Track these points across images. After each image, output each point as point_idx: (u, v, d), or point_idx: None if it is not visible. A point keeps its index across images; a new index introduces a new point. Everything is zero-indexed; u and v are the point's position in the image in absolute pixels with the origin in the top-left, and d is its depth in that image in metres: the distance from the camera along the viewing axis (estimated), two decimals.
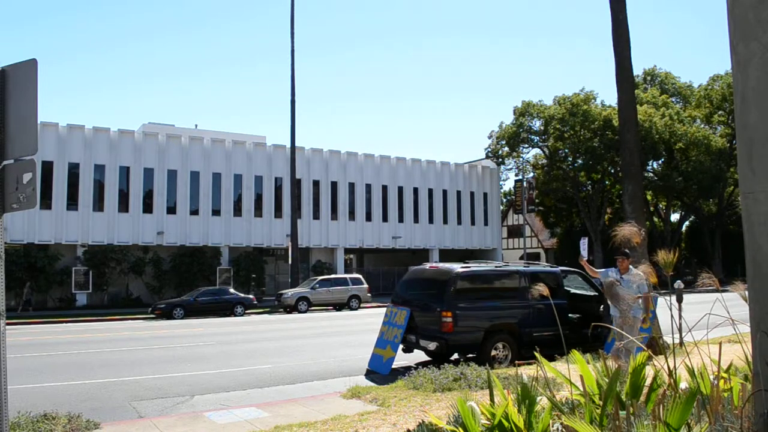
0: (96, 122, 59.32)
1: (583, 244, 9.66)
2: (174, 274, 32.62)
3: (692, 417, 3.41)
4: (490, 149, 48.68)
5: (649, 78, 50.99)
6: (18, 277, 28.12)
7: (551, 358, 6.84)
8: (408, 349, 11.00)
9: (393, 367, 10.07)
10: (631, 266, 8.00)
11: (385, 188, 40.22)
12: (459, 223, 43.17)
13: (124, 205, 32.17)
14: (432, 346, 10.03)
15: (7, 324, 20.59)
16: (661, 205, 51.90)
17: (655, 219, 50.38)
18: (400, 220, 40.65)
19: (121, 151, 32.18)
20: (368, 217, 39.45)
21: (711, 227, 50.09)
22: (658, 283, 4.47)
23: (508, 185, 57.41)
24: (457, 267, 10.65)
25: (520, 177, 48.24)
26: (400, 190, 40.78)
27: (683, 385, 4.15)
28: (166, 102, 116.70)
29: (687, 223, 54.92)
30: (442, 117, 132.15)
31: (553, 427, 4.04)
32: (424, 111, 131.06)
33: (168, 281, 32.57)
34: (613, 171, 44.68)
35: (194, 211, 33.93)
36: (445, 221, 42.56)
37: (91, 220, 31.10)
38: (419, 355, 11.12)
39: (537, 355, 5.03)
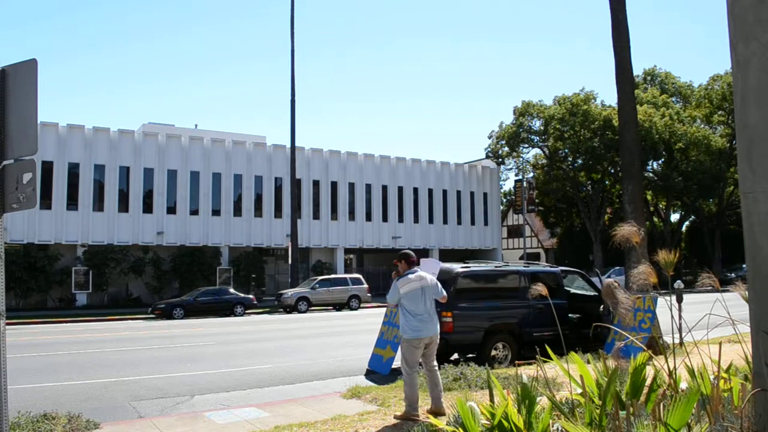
0: (96, 122, 59.36)
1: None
2: (174, 274, 32.63)
3: (692, 417, 3.41)
4: (490, 149, 48.68)
5: (649, 78, 50.94)
6: (18, 277, 28.13)
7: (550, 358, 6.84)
8: None
9: (393, 367, 10.05)
10: (418, 269, 6.74)
11: (385, 188, 40.22)
12: (459, 223, 43.16)
13: (124, 205, 32.18)
14: None
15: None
16: (661, 205, 51.86)
17: (655, 219, 50.34)
18: (400, 220, 40.65)
19: (121, 151, 32.19)
20: (368, 217, 39.44)
21: (711, 227, 50.05)
22: (659, 283, 4.47)
23: (508, 185, 57.44)
24: (457, 267, 10.64)
25: (520, 177, 48.25)
26: (400, 190, 40.78)
27: (683, 385, 4.15)
28: (166, 102, 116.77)
29: (687, 223, 54.85)
30: (442, 117, 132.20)
31: (553, 427, 4.03)
32: (424, 111, 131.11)
33: (168, 281, 32.58)
34: (613, 171, 44.67)
35: (194, 211, 33.93)
36: (445, 221, 42.55)
37: (91, 220, 31.10)
38: None
39: (548, 350, 5.02)
